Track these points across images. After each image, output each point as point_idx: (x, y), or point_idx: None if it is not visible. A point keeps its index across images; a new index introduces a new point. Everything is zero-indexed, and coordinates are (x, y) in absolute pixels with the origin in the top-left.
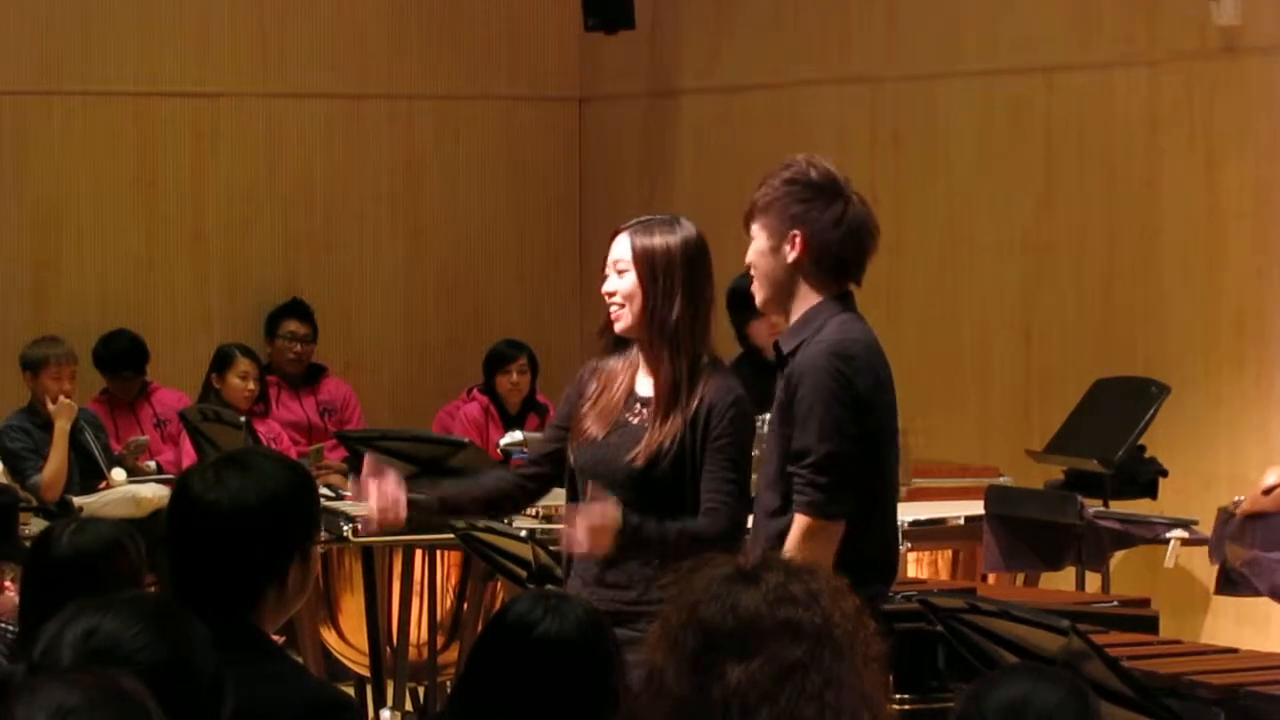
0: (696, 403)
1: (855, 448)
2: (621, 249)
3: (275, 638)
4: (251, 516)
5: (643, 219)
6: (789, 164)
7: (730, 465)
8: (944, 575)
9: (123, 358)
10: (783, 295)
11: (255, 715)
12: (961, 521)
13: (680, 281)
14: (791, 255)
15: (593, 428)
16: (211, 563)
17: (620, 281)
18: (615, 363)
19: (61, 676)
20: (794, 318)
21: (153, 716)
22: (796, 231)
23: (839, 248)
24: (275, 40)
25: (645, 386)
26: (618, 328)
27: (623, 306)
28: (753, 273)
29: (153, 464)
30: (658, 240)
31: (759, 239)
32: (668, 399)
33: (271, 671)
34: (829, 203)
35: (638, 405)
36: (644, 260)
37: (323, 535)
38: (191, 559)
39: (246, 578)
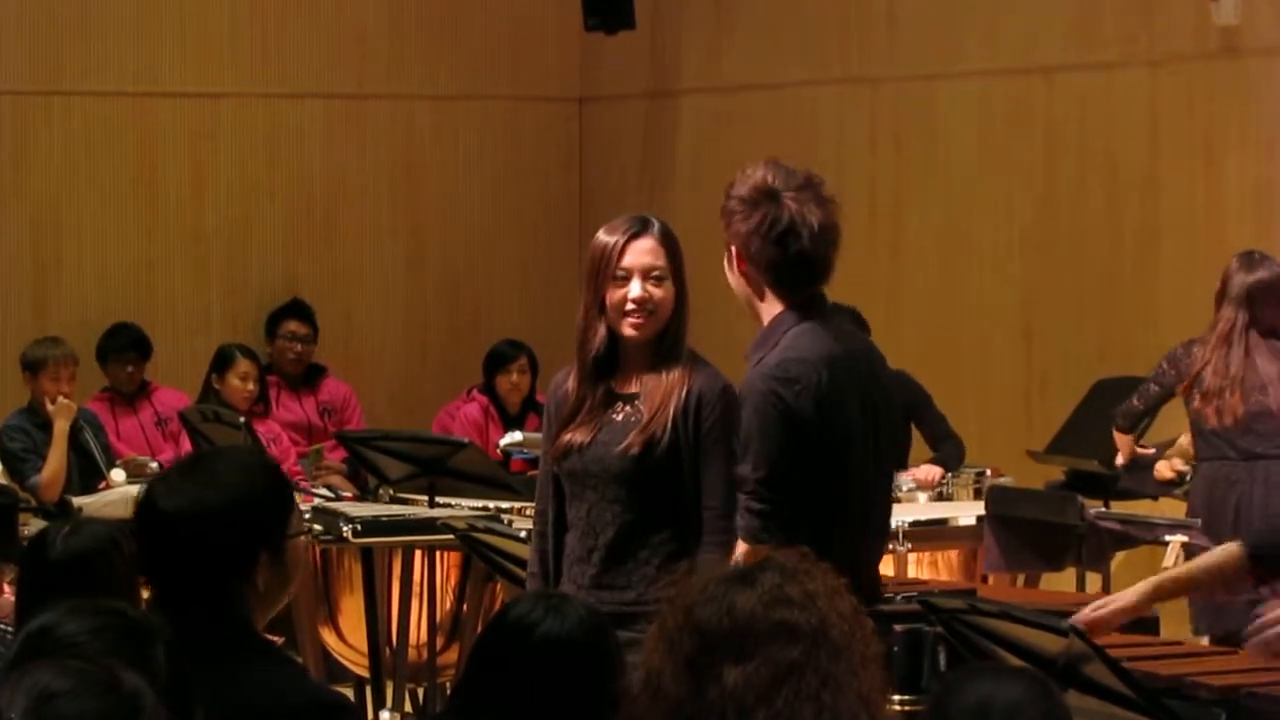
0: (685, 392)
1: (794, 472)
2: (656, 256)
3: (274, 638)
4: (207, 522)
5: (644, 219)
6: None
7: (733, 456)
8: (945, 576)
9: (127, 345)
10: (750, 307)
11: (251, 717)
12: (962, 522)
13: (686, 283)
14: (738, 268)
15: (576, 436)
16: (175, 568)
17: (658, 290)
18: (585, 380)
19: (56, 663)
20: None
21: (145, 715)
22: (733, 245)
23: (761, 256)
24: (275, 40)
25: (625, 385)
26: (636, 334)
27: (652, 314)
28: None
29: (154, 464)
30: (677, 244)
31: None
32: (664, 392)
33: (267, 672)
34: (751, 213)
35: (619, 403)
36: (678, 268)
37: (318, 533)
38: (157, 564)
39: (211, 582)
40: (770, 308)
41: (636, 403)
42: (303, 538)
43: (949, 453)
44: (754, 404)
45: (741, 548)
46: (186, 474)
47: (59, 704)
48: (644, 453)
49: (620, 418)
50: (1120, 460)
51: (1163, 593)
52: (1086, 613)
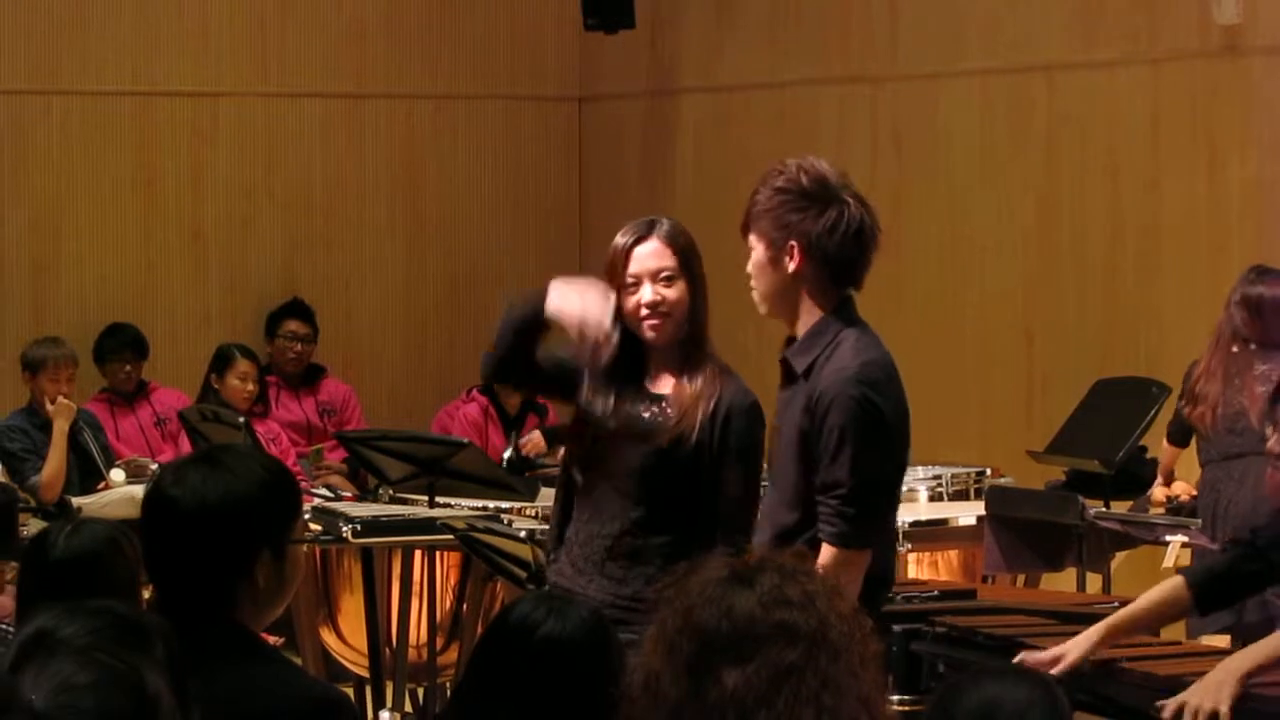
0: (715, 400)
1: (885, 477)
2: (662, 257)
3: (273, 639)
4: (209, 514)
5: (651, 221)
6: (781, 170)
7: (753, 473)
8: (945, 576)
9: (124, 345)
10: (787, 307)
11: (247, 716)
12: (962, 522)
13: (703, 279)
14: (791, 266)
15: (602, 404)
16: (175, 559)
17: (669, 291)
18: (603, 382)
19: (80, 654)
20: (800, 329)
21: (160, 717)
22: (794, 242)
23: (838, 254)
24: (274, 39)
25: (655, 385)
26: (655, 338)
27: (667, 316)
28: (752, 284)
29: (154, 465)
30: (687, 241)
31: (757, 250)
32: (692, 396)
33: (263, 672)
34: (823, 209)
35: (647, 401)
36: (689, 265)
37: (318, 535)
38: (158, 555)
39: (210, 575)
40: (811, 309)
41: (663, 404)
42: (305, 547)
43: None
44: (847, 410)
45: (831, 553)
46: (196, 463)
47: (80, 696)
48: (664, 453)
49: (648, 415)
50: (1160, 479)
51: (1116, 634)
52: (1042, 658)
